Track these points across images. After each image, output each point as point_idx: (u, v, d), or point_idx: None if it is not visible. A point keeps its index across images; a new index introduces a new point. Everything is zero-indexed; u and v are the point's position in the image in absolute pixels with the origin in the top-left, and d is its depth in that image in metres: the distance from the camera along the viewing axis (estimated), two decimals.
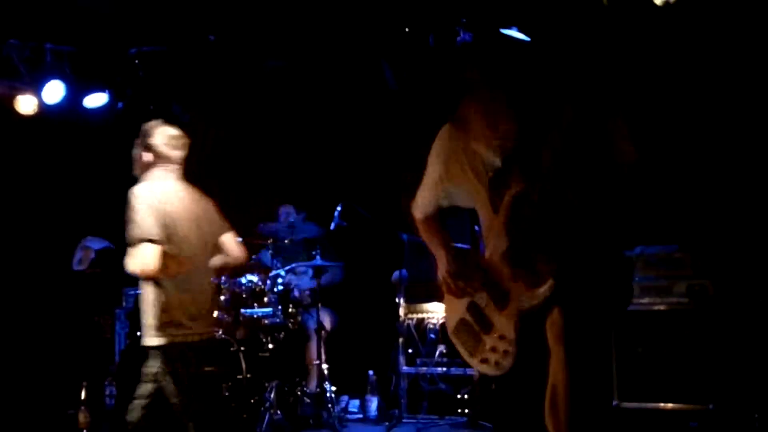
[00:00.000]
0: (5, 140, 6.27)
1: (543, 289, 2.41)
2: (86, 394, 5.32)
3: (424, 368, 5.42)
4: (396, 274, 5.47)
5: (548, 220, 2.44)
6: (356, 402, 5.75)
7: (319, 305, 5.39)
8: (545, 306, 2.44)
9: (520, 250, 2.47)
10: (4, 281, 6.37)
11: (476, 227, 2.82)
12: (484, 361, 2.58)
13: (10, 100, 5.85)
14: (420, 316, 5.47)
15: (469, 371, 5.21)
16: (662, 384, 4.41)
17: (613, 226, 2.52)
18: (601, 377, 2.52)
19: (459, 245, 3.02)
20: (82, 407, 5.26)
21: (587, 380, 2.46)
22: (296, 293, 5.52)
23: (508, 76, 2.50)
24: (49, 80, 5.84)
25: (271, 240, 5.51)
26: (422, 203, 2.82)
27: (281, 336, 5.38)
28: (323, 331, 5.45)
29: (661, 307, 4.51)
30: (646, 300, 4.57)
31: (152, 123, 3.66)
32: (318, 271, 5.44)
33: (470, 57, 2.56)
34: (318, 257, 5.39)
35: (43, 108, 5.95)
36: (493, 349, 2.54)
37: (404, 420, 5.27)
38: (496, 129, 2.49)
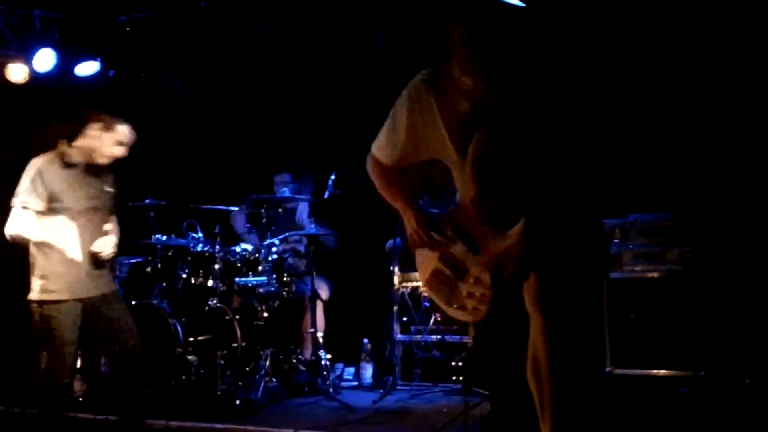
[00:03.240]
0: None
1: (514, 230, 2.39)
2: (81, 363, 5.34)
3: (419, 336, 5.45)
4: (390, 242, 5.46)
5: (515, 170, 2.42)
6: (351, 369, 5.79)
7: (314, 274, 5.40)
8: (521, 269, 2.43)
9: (488, 195, 2.45)
10: None
11: None
12: (461, 308, 2.57)
13: (1, 67, 5.80)
14: (414, 284, 5.48)
15: (463, 338, 5.24)
16: (654, 351, 4.44)
17: (584, 188, 2.50)
18: (583, 343, 2.50)
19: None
20: (78, 375, 5.29)
21: (568, 346, 2.45)
22: (291, 261, 5.52)
23: (489, 32, 2.46)
24: (39, 48, 5.79)
25: (264, 209, 5.50)
26: (386, 150, 2.71)
27: (276, 304, 5.40)
28: (318, 300, 5.46)
29: (654, 275, 4.52)
30: (638, 267, 4.57)
31: None
32: (312, 240, 5.44)
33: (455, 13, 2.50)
34: (312, 226, 5.39)
35: (35, 76, 5.90)
36: (470, 295, 2.53)
37: (398, 387, 5.30)
38: (468, 76, 2.43)
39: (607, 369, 4.47)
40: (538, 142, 2.42)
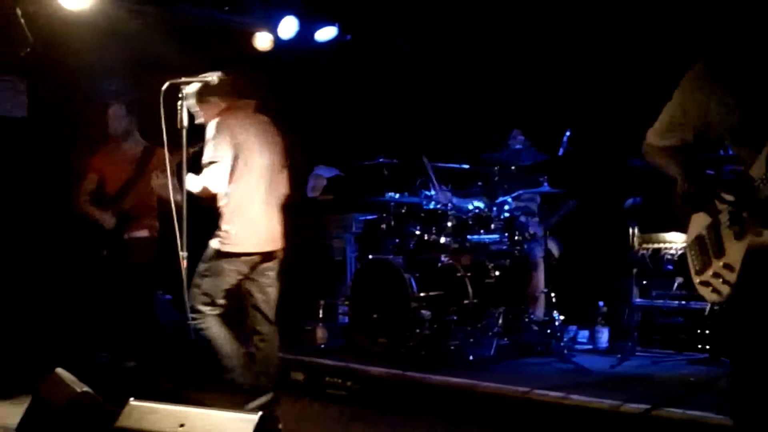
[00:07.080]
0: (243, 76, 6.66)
1: None
2: (323, 313, 5.65)
3: (660, 301, 5.13)
4: (630, 201, 5.16)
5: None
6: (585, 333, 5.58)
7: (547, 233, 5.27)
8: None
9: None
10: None
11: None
12: (705, 284, 2.54)
13: (249, 35, 6.20)
14: (656, 246, 5.11)
15: (708, 305, 4.85)
16: None
17: None
18: None
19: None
20: (320, 324, 5.61)
21: None
22: (522, 220, 5.43)
23: None
24: (283, 16, 6.12)
25: (497, 167, 5.44)
26: (661, 133, 2.67)
27: (507, 263, 5.35)
28: (551, 259, 5.34)
29: None
30: None
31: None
32: (546, 198, 5.31)
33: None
34: (545, 184, 5.25)
35: (278, 43, 6.25)
36: (716, 275, 2.47)
37: (637, 353, 5.04)
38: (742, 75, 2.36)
39: None
40: None
